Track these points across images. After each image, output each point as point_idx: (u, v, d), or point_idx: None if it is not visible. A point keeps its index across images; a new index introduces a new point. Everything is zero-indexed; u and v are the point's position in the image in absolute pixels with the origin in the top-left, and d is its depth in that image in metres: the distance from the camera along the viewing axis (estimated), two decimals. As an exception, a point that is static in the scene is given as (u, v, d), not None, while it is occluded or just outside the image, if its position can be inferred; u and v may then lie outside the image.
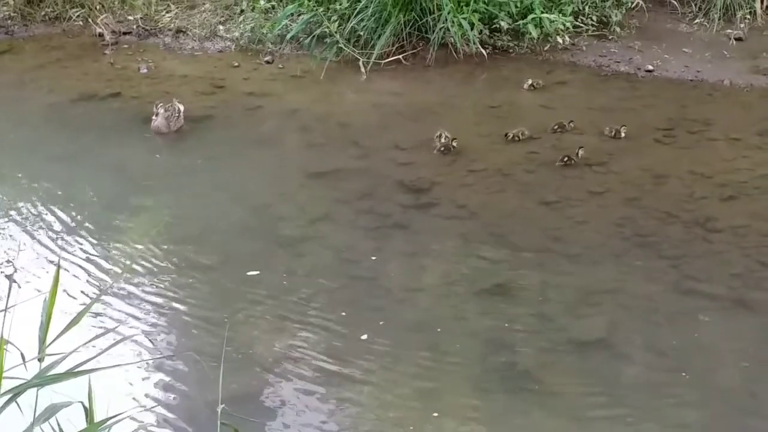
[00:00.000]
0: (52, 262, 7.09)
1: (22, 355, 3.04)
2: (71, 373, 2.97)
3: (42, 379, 2.92)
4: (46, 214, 7.93)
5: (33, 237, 7.55)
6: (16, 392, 2.90)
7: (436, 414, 5.48)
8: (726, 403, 5.50)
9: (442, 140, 8.80)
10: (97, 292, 6.70)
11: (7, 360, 2.96)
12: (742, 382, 5.70)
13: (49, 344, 3.03)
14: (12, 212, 7.99)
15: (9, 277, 6.89)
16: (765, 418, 5.39)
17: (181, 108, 9.55)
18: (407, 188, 8.15)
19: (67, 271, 6.94)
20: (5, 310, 3.01)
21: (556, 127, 9.13)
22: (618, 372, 5.77)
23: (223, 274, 7.00)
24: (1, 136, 9.68)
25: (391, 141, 9.11)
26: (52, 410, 3.03)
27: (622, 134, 8.91)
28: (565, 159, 8.46)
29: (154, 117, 9.38)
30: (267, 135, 9.46)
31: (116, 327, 6.24)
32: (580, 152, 8.51)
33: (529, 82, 10.24)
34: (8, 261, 7.14)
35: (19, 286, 6.68)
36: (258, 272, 6.95)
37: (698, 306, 6.37)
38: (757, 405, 5.48)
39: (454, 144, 8.76)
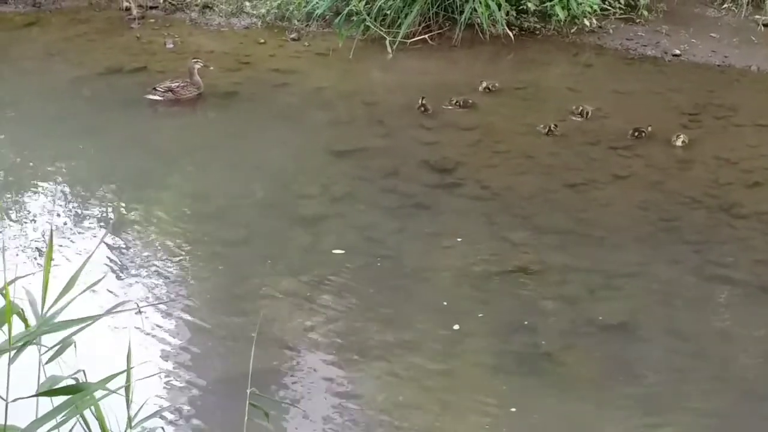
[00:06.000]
0: (69, 236, 7.17)
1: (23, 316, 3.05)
2: (77, 320, 2.97)
3: (49, 326, 2.93)
4: (71, 187, 7.98)
5: (57, 210, 7.60)
6: (26, 340, 2.91)
7: (456, 394, 5.51)
8: (746, 390, 5.50)
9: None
10: (115, 263, 6.76)
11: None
12: (763, 369, 5.69)
13: (51, 305, 3.02)
14: (37, 185, 8.03)
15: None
16: (786, 405, 5.39)
17: (196, 66, 9.67)
18: (431, 168, 8.15)
19: (88, 239, 7.03)
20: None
21: (577, 109, 9.08)
22: (639, 356, 5.77)
23: (246, 250, 7.02)
24: (27, 108, 9.73)
25: (416, 120, 9.10)
26: (53, 381, 3.04)
27: (680, 142, 8.46)
28: (636, 133, 8.55)
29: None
30: (292, 112, 9.47)
31: (131, 297, 6.30)
32: (649, 129, 8.59)
33: (484, 84, 9.79)
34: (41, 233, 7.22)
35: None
36: (343, 251, 6.92)
37: (721, 292, 6.37)
38: (778, 392, 5.48)
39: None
